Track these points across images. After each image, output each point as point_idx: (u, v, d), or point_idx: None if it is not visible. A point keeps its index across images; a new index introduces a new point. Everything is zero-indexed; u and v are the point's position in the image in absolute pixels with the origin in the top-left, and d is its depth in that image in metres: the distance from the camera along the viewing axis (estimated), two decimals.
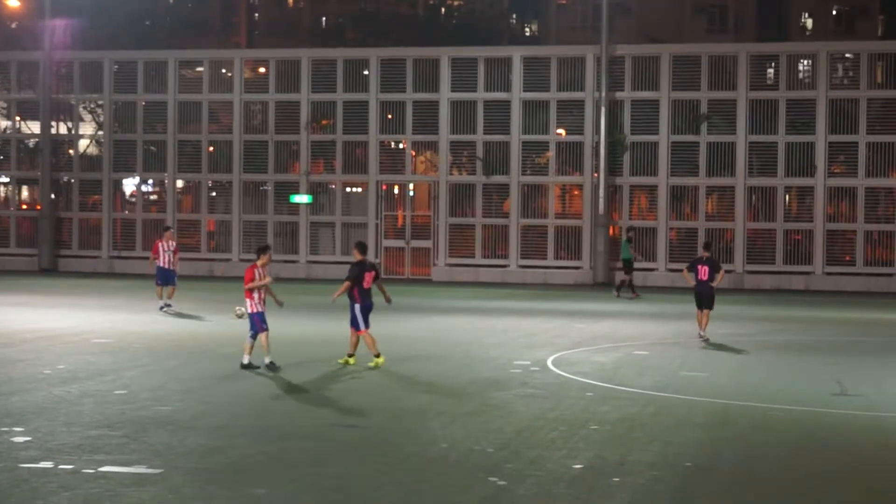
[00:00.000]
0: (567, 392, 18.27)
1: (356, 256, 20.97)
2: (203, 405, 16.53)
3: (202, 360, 21.35)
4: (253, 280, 19.99)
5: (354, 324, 20.67)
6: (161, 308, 30.11)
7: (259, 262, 20.23)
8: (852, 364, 22.60)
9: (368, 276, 20.61)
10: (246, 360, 20.02)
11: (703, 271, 25.79)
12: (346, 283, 20.58)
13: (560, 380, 19.54)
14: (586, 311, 32.98)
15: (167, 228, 32.76)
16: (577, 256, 45.61)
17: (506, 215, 46.14)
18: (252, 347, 20.10)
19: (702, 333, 25.68)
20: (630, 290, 38.19)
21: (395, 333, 26.33)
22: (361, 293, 20.54)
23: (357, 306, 20.53)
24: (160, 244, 30.75)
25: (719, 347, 24.70)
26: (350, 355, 20.87)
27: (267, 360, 19.84)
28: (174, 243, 31.22)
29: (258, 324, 19.94)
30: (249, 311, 20.06)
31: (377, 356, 20.59)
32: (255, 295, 20.01)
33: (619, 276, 40.35)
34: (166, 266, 30.35)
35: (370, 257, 45.89)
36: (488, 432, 14.89)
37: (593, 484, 12.35)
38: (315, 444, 14.16)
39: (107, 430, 14.52)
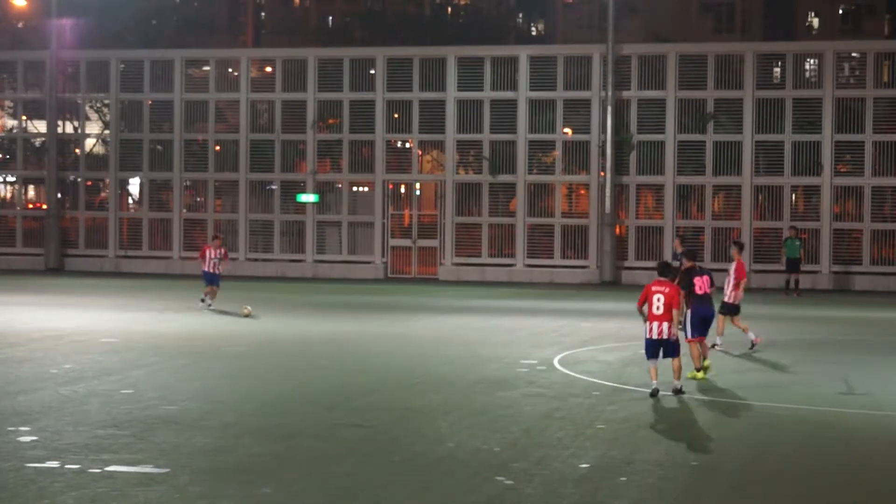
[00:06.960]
0: (574, 391, 18.26)
1: (686, 263, 20.43)
2: (209, 404, 16.54)
3: (209, 360, 21.37)
4: (679, 296, 18.12)
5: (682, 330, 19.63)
6: (202, 300, 31.65)
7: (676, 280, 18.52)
8: (859, 363, 22.56)
9: (699, 282, 20.07)
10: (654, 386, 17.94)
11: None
12: (683, 294, 19.33)
13: (567, 379, 19.52)
14: (593, 310, 32.94)
15: (216, 237, 34.00)
16: (583, 256, 45.55)
17: (512, 214, 46.10)
18: (682, 370, 18.34)
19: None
20: (794, 288, 40.34)
21: (403, 332, 26.36)
22: (695, 299, 19.86)
23: (688, 312, 19.79)
24: (208, 250, 32.21)
25: (725, 346, 24.65)
26: (698, 369, 19.73)
27: (678, 385, 18.04)
28: (223, 250, 32.63)
29: (676, 347, 18.14)
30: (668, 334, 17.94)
31: (698, 370, 19.68)
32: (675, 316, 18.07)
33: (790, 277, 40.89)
34: (211, 270, 31.91)
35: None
36: (495, 431, 14.88)
37: (600, 483, 12.35)
38: (321, 443, 14.17)
39: (113, 430, 14.53)
